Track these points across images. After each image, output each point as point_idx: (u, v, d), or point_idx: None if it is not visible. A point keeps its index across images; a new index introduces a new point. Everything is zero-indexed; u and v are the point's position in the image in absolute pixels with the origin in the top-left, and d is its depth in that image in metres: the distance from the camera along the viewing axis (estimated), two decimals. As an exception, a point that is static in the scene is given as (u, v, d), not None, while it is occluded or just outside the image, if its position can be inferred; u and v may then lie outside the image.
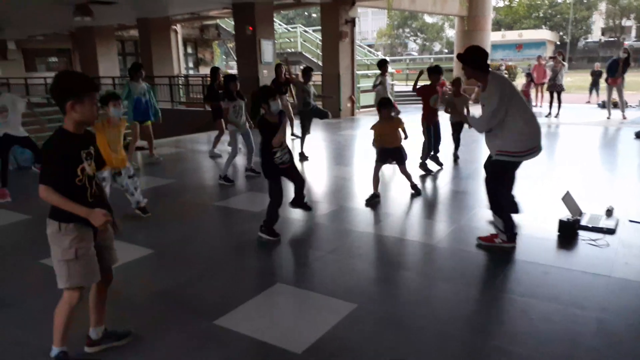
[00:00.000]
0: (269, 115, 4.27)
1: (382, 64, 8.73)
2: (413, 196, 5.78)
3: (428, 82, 6.90)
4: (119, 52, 21.56)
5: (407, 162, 5.74)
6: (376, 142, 5.64)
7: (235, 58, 14.28)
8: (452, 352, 2.75)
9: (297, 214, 5.16)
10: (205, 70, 25.78)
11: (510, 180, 4.38)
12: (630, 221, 4.75)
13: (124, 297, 3.28)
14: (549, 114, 13.15)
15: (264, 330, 2.94)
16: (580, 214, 4.72)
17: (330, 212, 5.27)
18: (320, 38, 15.78)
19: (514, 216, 4.34)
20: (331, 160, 8.54)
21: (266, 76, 12.17)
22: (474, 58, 4.00)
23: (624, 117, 12.21)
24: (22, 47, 25.29)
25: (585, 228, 4.54)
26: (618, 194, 5.73)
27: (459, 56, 4.08)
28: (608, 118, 12.39)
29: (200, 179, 7.42)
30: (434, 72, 6.83)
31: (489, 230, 4.47)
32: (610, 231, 4.47)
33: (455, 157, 7.76)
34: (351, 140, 10.44)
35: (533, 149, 4.05)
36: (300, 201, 4.80)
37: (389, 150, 5.61)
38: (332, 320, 3.02)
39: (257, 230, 4.73)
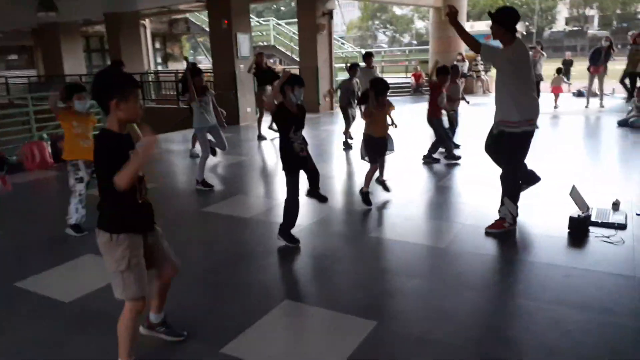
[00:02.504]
0: (289, 103, 3.97)
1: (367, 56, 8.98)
2: (385, 191, 5.59)
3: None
4: (83, 49, 20.70)
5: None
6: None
7: (205, 52, 13.88)
8: (489, 373, 2.50)
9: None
10: (174, 66, 25.11)
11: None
12: (638, 214, 4.61)
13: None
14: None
15: (280, 358, 2.63)
16: (588, 208, 4.55)
17: (325, 216, 4.97)
18: (294, 31, 15.42)
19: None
20: (316, 158, 8.22)
21: (243, 70, 11.77)
22: (508, 19, 4.01)
23: (602, 106, 12.27)
24: (-21, 45, 24.11)
25: (595, 224, 4.38)
26: (616, 185, 5.62)
27: (491, 14, 4.07)
28: (586, 107, 12.43)
29: (181, 183, 7.02)
30: (442, 72, 6.95)
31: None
32: (622, 226, 4.31)
33: (455, 145, 7.83)
34: (332, 135, 10.12)
35: (529, 121, 4.13)
36: (316, 191, 4.40)
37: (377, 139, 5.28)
38: (354, 342, 2.73)
39: (253, 238, 4.43)
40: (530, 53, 13.05)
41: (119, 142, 2.27)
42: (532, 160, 4.35)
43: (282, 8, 51.43)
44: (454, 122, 7.89)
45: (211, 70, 12.43)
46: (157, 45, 26.20)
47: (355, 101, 8.48)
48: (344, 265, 3.87)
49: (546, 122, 11.04)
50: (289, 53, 20.91)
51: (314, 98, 13.23)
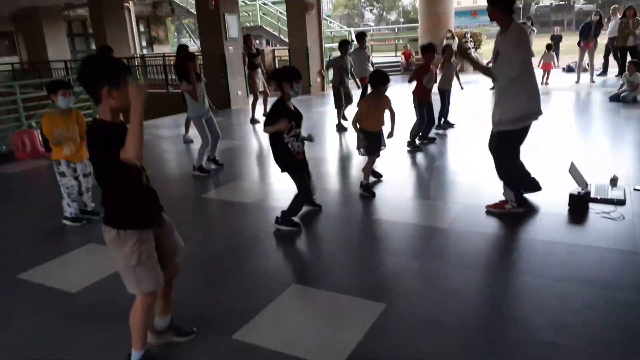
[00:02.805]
0: (288, 99, 3.90)
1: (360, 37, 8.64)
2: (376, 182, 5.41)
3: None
4: (66, 34, 20.25)
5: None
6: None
7: (190, 34, 13.58)
8: (499, 351, 2.53)
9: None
10: (159, 49, 24.67)
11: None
12: (636, 189, 4.66)
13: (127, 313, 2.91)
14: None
15: (292, 342, 2.64)
16: (586, 185, 4.59)
17: (324, 200, 4.95)
18: (281, 10, 15.19)
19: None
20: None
21: (232, 53, 11.61)
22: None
23: (593, 81, 12.30)
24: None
25: (594, 200, 4.42)
26: (612, 160, 5.66)
27: None
28: (577, 82, 12.45)
29: (175, 168, 6.96)
30: (428, 50, 6.66)
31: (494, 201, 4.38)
32: (621, 202, 4.35)
33: (449, 125, 7.99)
34: (325, 117, 10.05)
35: (530, 114, 4.03)
36: (311, 199, 4.44)
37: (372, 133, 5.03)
38: (364, 325, 2.75)
39: (255, 224, 4.41)
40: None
41: (112, 132, 2.11)
42: (527, 138, 4.31)
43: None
44: (445, 102, 7.84)
45: (199, 53, 12.23)
46: (142, 29, 25.71)
47: (349, 77, 8.40)
48: (348, 248, 3.87)
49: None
50: (276, 33, 20.64)
51: (305, 80, 13.11)
